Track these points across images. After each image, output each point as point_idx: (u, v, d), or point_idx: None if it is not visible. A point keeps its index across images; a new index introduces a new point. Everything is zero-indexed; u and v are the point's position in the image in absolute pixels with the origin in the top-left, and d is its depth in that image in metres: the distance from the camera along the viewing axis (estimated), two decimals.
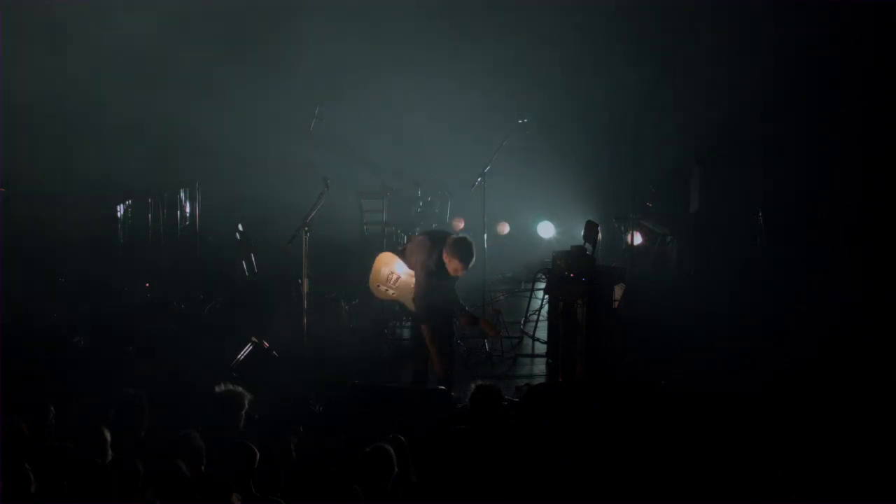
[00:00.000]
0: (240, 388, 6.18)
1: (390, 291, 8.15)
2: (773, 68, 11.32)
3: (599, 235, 10.58)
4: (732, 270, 10.50)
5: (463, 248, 7.76)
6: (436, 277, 7.86)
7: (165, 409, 6.33)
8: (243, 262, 11.36)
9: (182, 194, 12.51)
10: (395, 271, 8.13)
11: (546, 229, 13.31)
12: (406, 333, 10.09)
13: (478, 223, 11.26)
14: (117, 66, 12.44)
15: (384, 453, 5.42)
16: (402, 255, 8.17)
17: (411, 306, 8.08)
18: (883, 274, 9.89)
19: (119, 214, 11.78)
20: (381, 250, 11.04)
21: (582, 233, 10.45)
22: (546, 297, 9.29)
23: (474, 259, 7.87)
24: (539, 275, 10.62)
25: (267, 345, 9.15)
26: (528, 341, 9.94)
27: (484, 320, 8.28)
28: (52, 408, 6.07)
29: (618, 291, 8.99)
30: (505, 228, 13.35)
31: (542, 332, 9.82)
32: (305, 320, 8.92)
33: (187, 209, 12.62)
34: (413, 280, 8.01)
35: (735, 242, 10.93)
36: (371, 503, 5.20)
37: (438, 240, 7.92)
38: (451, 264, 7.77)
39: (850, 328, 9.03)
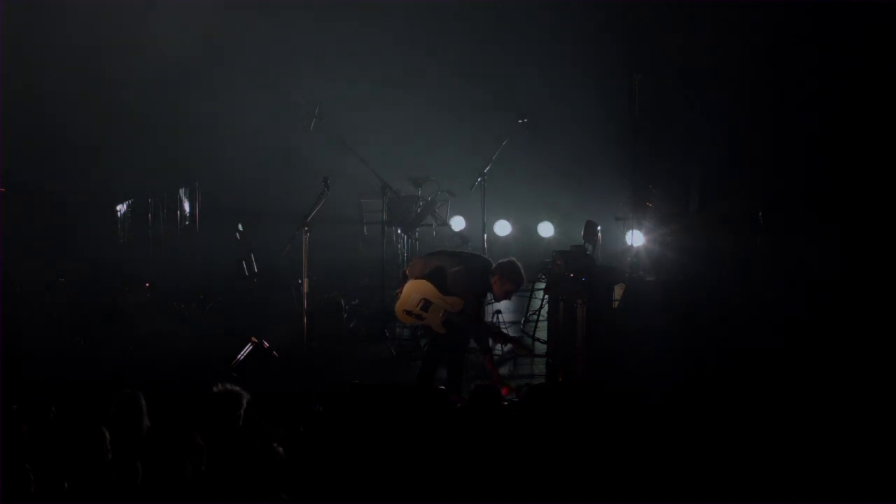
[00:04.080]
0: (237, 388, 6.19)
1: (417, 317, 8.15)
2: (773, 67, 11.32)
3: (599, 235, 10.59)
4: (732, 270, 10.49)
5: (517, 272, 7.98)
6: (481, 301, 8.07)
7: (166, 409, 6.33)
8: (243, 262, 11.36)
9: (182, 194, 12.52)
10: (426, 298, 8.09)
11: (546, 229, 13.32)
12: (406, 333, 10.10)
13: (478, 223, 11.27)
14: (117, 66, 12.45)
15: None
16: (435, 277, 8.12)
17: (441, 330, 8.11)
18: (883, 273, 9.89)
19: (119, 214, 11.79)
20: (382, 250, 11.14)
21: (582, 233, 10.46)
22: (546, 297, 9.29)
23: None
24: (539, 275, 10.62)
25: (267, 345, 9.15)
26: (528, 341, 9.94)
27: (516, 339, 8.43)
28: (53, 408, 6.07)
29: (618, 291, 8.99)
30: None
31: (542, 332, 9.82)
32: (305, 320, 8.93)
33: (187, 209, 12.62)
34: (445, 304, 8.05)
35: (735, 242, 10.92)
36: (371, 502, 5.21)
37: (483, 269, 8.03)
38: (504, 287, 7.96)
39: (851, 327, 9.03)
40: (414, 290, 8.12)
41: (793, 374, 8.17)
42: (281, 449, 5.53)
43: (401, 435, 5.97)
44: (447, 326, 8.07)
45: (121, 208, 11.81)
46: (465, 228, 12.59)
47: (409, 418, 6.58)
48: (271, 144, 13.15)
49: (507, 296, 8.09)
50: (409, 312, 8.12)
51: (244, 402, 6.13)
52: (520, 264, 8.05)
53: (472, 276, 8.02)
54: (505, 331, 9.79)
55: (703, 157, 12.04)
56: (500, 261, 8.07)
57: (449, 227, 12.03)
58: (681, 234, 11.18)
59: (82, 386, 7.78)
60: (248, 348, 9.05)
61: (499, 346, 9.59)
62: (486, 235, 11.01)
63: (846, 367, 8.30)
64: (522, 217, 13.55)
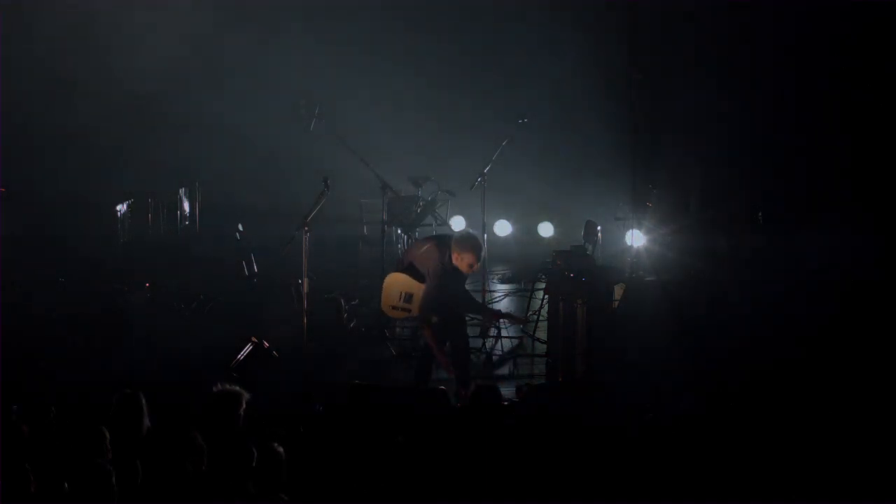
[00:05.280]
0: (237, 388, 6.19)
1: (404, 310, 8.19)
2: (774, 66, 11.32)
3: (599, 235, 10.59)
4: (732, 270, 10.50)
5: (471, 242, 7.93)
6: (446, 282, 7.95)
7: (165, 409, 6.33)
8: (243, 262, 11.36)
9: (182, 194, 12.52)
10: (406, 290, 8.14)
11: (546, 229, 13.32)
12: (406, 333, 10.09)
13: (478, 223, 11.27)
14: (117, 65, 12.45)
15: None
16: (410, 269, 8.16)
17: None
18: (884, 272, 9.89)
19: (119, 214, 11.79)
20: (382, 250, 11.14)
21: (582, 233, 10.46)
22: (546, 297, 9.29)
23: (484, 249, 8.07)
24: (539, 275, 10.62)
25: (267, 345, 9.15)
26: (528, 341, 9.94)
27: (505, 313, 8.58)
28: (53, 408, 6.07)
29: (618, 291, 8.99)
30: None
31: (542, 332, 9.82)
32: (305, 320, 8.92)
33: (187, 209, 12.62)
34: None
35: (735, 241, 10.93)
36: (372, 502, 5.21)
37: (444, 244, 7.99)
38: (465, 260, 7.86)
39: (852, 327, 9.03)
40: (392, 284, 8.20)
41: (794, 374, 8.17)
42: (281, 449, 5.52)
43: (401, 435, 5.97)
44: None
45: (121, 208, 11.81)
46: (465, 228, 12.59)
47: (410, 418, 6.59)
48: (271, 144, 13.14)
49: (470, 269, 7.96)
50: (395, 307, 8.19)
51: (244, 402, 6.14)
52: (475, 235, 8.07)
53: (432, 252, 8.00)
54: (503, 331, 9.81)
55: (703, 157, 12.03)
56: (454, 235, 8.10)
57: (449, 227, 12.04)
58: (681, 234, 11.18)
59: (82, 386, 7.78)
60: (248, 348, 9.04)
61: (499, 346, 9.61)
62: (486, 235, 11.00)
63: (847, 366, 8.30)
64: (522, 217, 13.56)
